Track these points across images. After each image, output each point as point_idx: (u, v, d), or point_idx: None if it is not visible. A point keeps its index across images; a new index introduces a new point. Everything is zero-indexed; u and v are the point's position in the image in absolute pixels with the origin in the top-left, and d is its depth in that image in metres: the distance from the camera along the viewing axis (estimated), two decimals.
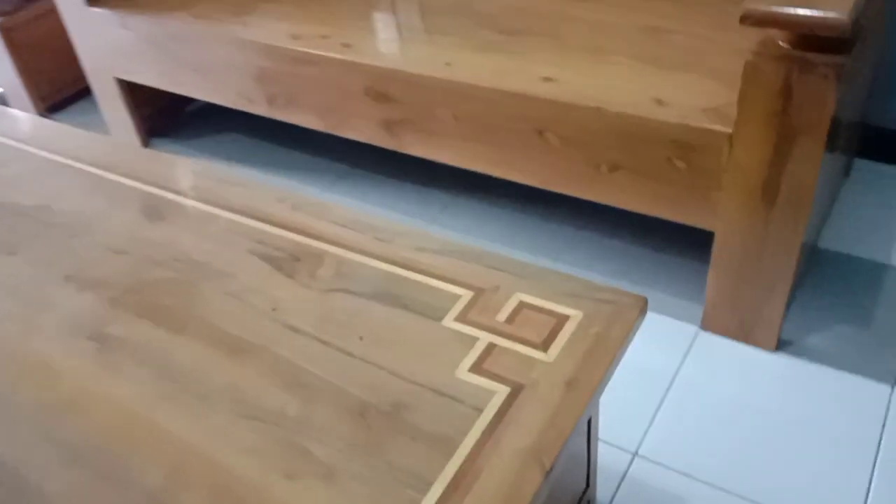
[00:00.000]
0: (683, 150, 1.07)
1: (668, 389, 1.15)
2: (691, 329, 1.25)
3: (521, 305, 0.77)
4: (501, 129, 1.24)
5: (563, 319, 0.75)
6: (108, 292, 0.86)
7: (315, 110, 1.48)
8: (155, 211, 0.98)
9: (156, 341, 0.79)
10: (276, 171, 1.77)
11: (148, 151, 1.12)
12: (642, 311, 0.75)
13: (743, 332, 1.21)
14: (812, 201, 1.01)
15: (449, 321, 0.76)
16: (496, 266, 0.82)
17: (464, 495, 0.60)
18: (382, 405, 0.68)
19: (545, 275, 0.80)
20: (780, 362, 1.18)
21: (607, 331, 0.73)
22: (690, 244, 1.44)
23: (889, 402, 1.10)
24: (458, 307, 0.78)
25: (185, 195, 1.00)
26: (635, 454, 1.07)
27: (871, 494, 0.98)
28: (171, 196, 1.01)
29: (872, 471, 1.01)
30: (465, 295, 0.79)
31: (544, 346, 0.72)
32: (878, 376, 1.13)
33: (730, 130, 1.02)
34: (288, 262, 0.87)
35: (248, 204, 0.97)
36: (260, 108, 1.56)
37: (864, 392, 1.12)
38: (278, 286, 0.84)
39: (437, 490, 0.61)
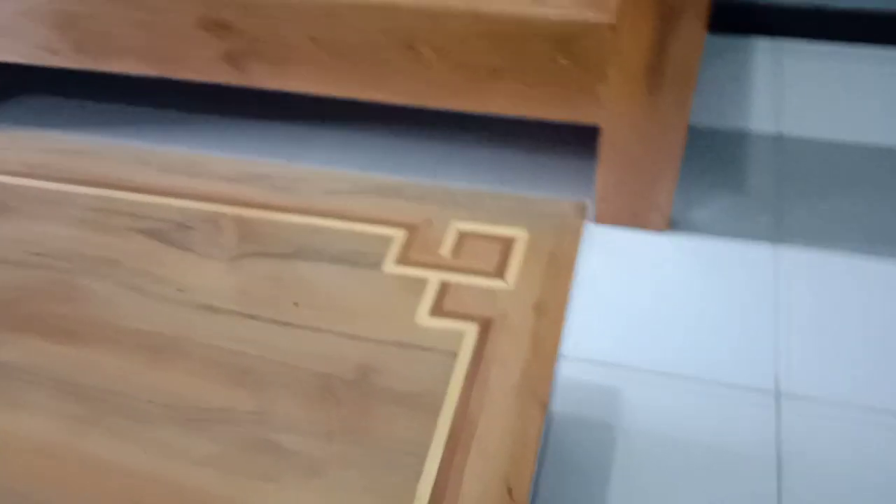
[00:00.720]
0: (566, 45, 1.03)
1: (572, 286, 1.16)
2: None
3: (462, 235, 0.71)
4: (366, 48, 1.14)
5: (509, 242, 0.70)
6: None
7: (137, 53, 1.28)
8: None
9: (51, 359, 0.64)
10: (95, 132, 1.55)
11: None
12: (584, 218, 0.72)
13: (635, 219, 1.23)
14: (695, 81, 1.02)
15: (389, 266, 0.69)
16: (420, 197, 0.76)
17: (467, 451, 0.55)
18: (345, 375, 0.61)
19: (475, 198, 0.75)
20: (674, 241, 1.22)
21: (558, 246, 0.69)
22: (567, 143, 1.43)
23: (774, 258, 1.18)
24: (395, 250, 0.71)
25: (26, 175, 0.83)
26: (559, 356, 1.07)
27: (778, 346, 1.05)
28: (5, 179, 0.83)
29: (776, 324, 1.09)
30: (398, 235, 0.72)
31: (499, 273, 0.67)
32: (760, 236, 1.21)
33: (611, 20, 1.00)
34: (178, 234, 0.74)
35: (107, 174, 0.82)
36: (67, 60, 1.33)
37: (751, 254, 1.19)
38: (176, 263, 0.72)
39: (436, 451, 0.55)
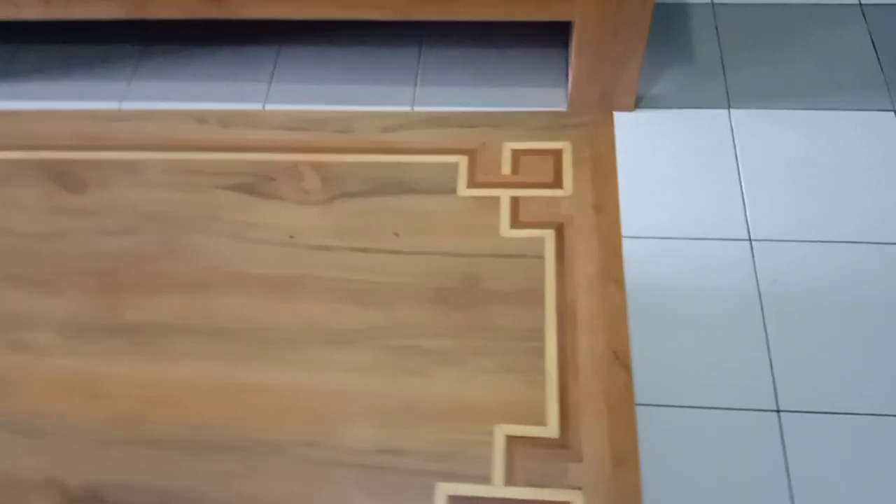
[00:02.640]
0: None
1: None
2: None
3: (516, 153, 0.83)
4: None
5: (557, 154, 0.83)
6: (91, 281, 0.77)
7: None
8: (67, 177, 0.85)
9: (187, 310, 0.75)
10: (60, 77, 1.51)
11: None
12: (613, 124, 0.85)
13: (606, 103, 1.36)
14: None
15: (463, 190, 0.81)
16: (468, 124, 0.86)
17: (574, 330, 0.70)
18: (456, 285, 0.74)
19: (515, 119, 0.86)
20: (642, 118, 1.37)
21: (597, 151, 0.82)
22: (535, 39, 1.52)
23: (729, 121, 1.35)
24: (463, 174, 0.82)
25: (85, 148, 0.87)
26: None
27: (745, 200, 1.24)
28: (75, 155, 0.87)
29: (739, 180, 1.27)
30: (461, 160, 0.83)
31: (557, 183, 0.80)
32: (716, 103, 1.37)
33: None
34: (264, 185, 0.83)
35: (171, 137, 0.88)
36: (34, 12, 1.29)
37: (711, 119, 1.35)
38: (275, 212, 0.81)
39: (550, 333, 0.70)
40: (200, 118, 0.89)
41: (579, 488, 0.62)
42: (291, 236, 0.79)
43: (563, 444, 0.64)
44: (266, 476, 0.65)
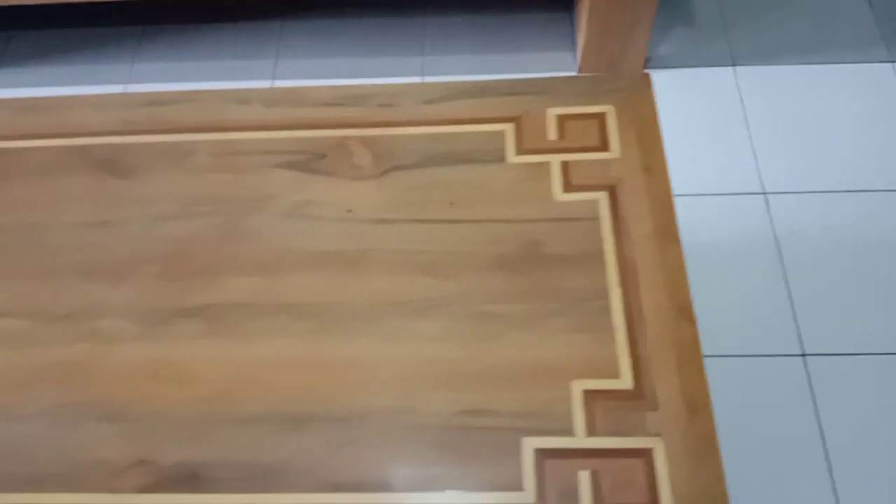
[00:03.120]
0: None
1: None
2: (570, 77, 1.41)
3: (561, 119, 0.85)
4: None
5: (601, 117, 0.85)
6: (155, 267, 0.78)
7: None
8: (113, 164, 0.85)
9: (258, 291, 0.76)
10: (60, 62, 1.49)
11: (27, 100, 0.92)
12: (652, 86, 0.87)
13: (614, 66, 1.39)
14: None
15: (513, 157, 0.83)
16: (509, 91, 0.88)
17: (637, 288, 0.73)
18: (517, 251, 0.76)
19: (554, 85, 0.88)
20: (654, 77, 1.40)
21: (640, 113, 0.85)
22: (536, 2, 1.53)
23: (735, 78, 1.39)
24: (510, 142, 0.84)
25: (132, 132, 0.87)
26: None
27: (756, 154, 1.28)
28: (118, 140, 0.87)
29: (749, 135, 1.31)
30: (507, 128, 0.85)
31: (604, 146, 0.83)
32: (721, 62, 1.40)
33: None
34: (315, 162, 0.84)
35: (214, 118, 0.88)
36: None
37: (717, 76, 1.39)
38: (330, 188, 0.82)
39: (615, 292, 0.73)
40: (243, 99, 0.89)
41: (658, 435, 0.66)
42: (349, 211, 0.80)
43: (639, 395, 0.68)
44: (357, 445, 0.67)
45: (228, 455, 0.68)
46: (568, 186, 0.80)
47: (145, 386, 0.71)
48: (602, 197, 0.79)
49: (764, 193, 1.25)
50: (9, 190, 0.85)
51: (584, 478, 0.65)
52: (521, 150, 0.83)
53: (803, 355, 1.11)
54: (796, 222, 1.21)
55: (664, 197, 0.79)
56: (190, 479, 0.66)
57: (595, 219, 0.78)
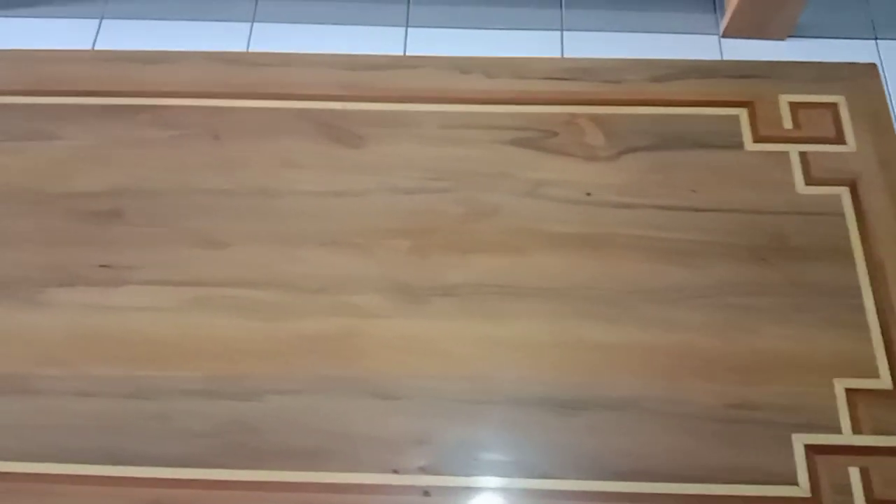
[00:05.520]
0: None
1: None
2: (713, 39, 1.38)
3: (794, 106, 0.84)
4: None
5: (834, 108, 0.84)
6: (402, 241, 0.77)
7: None
8: (337, 130, 0.83)
9: (505, 271, 0.76)
10: (184, 18, 1.42)
11: (233, 54, 0.88)
12: (877, 76, 0.86)
13: (760, 31, 1.36)
14: None
15: (750, 144, 0.82)
16: (737, 73, 0.86)
17: (885, 283, 0.74)
18: (767, 243, 0.77)
19: (782, 69, 0.86)
20: (794, 48, 1.38)
21: (872, 104, 0.84)
22: None
23: (878, 52, 1.37)
24: (746, 128, 0.83)
25: (361, 100, 0.84)
26: None
27: None
28: (344, 106, 0.84)
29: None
30: (740, 113, 0.84)
31: (840, 139, 0.82)
32: (862, 33, 1.38)
33: None
34: (546, 140, 0.83)
35: (439, 88, 0.85)
36: None
37: (859, 50, 1.36)
38: (566, 168, 0.81)
39: (866, 289, 0.74)
40: (464, 68, 0.86)
41: None
42: (588, 193, 0.80)
43: None
44: (621, 430, 0.69)
45: (504, 437, 0.69)
46: (809, 179, 0.80)
47: (410, 364, 0.72)
48: (843, 192, 0.80)
49: None
50: (230, 150, 0.83)
51: (854, 474, 0.68)
52: (757, 137, 0.83)
53: None
54: None
55: None
56: (469, 462, 0.68)
57: (839, 215, 0.79)
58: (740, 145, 0.82)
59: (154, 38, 1.35)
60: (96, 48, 1.35)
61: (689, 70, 0.87)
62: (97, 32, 1.38)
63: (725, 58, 1.36)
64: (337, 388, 0.71)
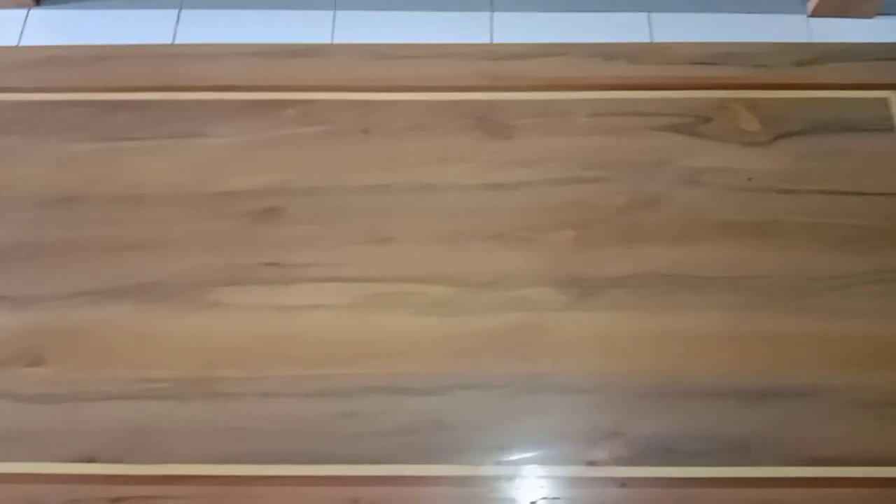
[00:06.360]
0: None
1: None
2: (800, 19, 1.37)
3: None
4: None
5: None
6: (567, 234, 0.77)
7: None
8: (491, 123, 0.82)
9: (675, 261, 0.75)
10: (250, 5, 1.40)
11: (376, 46, 0.86)
12: None
13: (848, 10, 1.35)
14: None
15: None
16: (883, 56, 0.85)
17: None
18: None
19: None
20: (881, 26, 1.37)
21: None
22: None
23: None
24: (894, 112, 0.83)
25: (502, 89, 0.83)
26: None
27: None
28: (487, 97, 0.83)
29: None
30: (889, 96, 0.83)
31: None
32: None
33: None
34: (702, 126, 0.82)
35: (582, 75, 0.84)
36: None
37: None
38: (722, 155, 0.81)
39: None
40: (608, 55, 0.85)
41: None
42: (750, 179, 0.79)
43: None
44: (813, 420, 0.69)
45: (696, 428, 0.69)
46: None
47: (590, 357, 0.72)
48: None
49: None
50: (381, 144, 0.82)
51: None
52: None
53: None
54: None
55: None
56: (663, 453, 0.68)
57: None
58: (892, 128, 0.82)
59: (237, 28, 1.33)
60: (177, 41, 1.33)
61: (835, 53, 0.86)
62: (176, 23, 1.36)
63: (815, 38, 1.36)
64: (521, 382, 0.71)
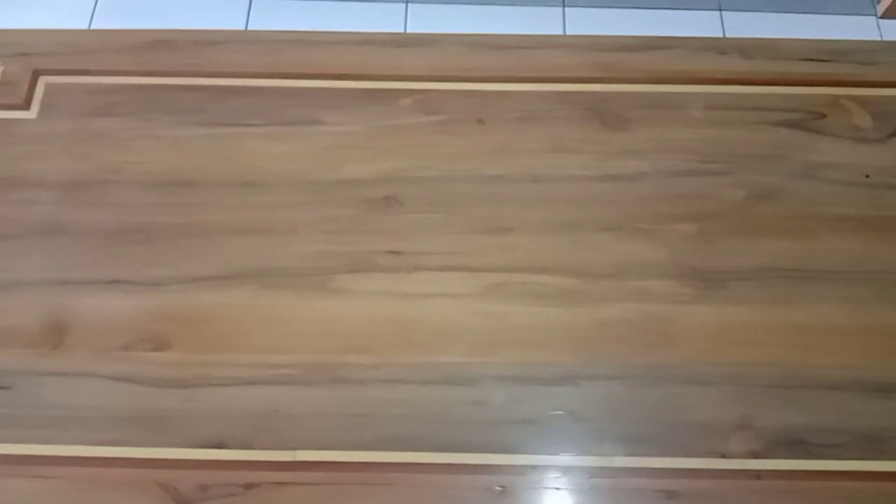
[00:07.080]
0: None
1: None
2: (871, 20, 1.37)
3: None
4: None
5: None
6: (687, 226, 0.76)
7: None
8: (607, 115, 0.82)
9: (792, 255, 0.75)
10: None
11: (481, 37, 0.86)
12: None
13: None
14: None
15: None
16: None
17: None
18: None
19: None
20: None
21: None
22: None
23: None
24: None
25: (617, 81, 0.83)
26: None
27: None
28: (598, 88, 0.83)
29: None
30: None
31: None
32: None
33: None
34: (816, 122, 0.82)
35: (695, 68, 0.84)
36: None
37: None
38: (838, 150, 0.80)
39: None
40: (720, 49, 0.85)
41: None
42: (867, 176, 0.79)
43: None
44: None
45: (824, 420, 0.69)
46: None
47: (718, 349, 0.72)
48: None
49: None
50: (496, 134, 0.81)
51: None
52: None
53: None
54: None
55: None
56: (795, 445, 0.68)
57: None
58: None
59: (309, 17, 1.33)
60: (249, 28, 1.33)
61: (880, 51, 0.86)
62: (248, 11, 1.36)
63: (886, 39, 1.36)
64: (646, 373, 0.70)
